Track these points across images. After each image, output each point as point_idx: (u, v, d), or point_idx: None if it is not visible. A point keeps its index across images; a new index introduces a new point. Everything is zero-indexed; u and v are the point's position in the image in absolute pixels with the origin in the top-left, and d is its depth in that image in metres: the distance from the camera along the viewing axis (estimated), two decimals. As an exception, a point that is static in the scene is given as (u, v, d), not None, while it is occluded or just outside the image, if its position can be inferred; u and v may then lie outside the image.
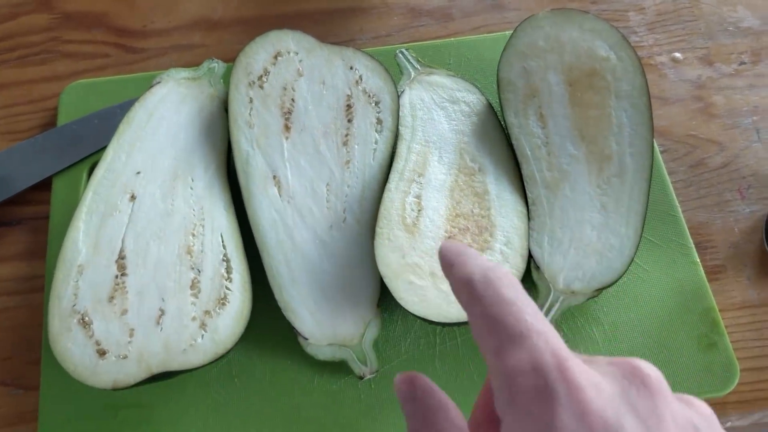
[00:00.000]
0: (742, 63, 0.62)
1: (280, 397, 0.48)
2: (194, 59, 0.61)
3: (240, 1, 0.63)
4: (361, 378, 0.47)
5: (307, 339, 0.47)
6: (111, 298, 0.45)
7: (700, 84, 0.61)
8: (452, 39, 0.61)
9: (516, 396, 0.24)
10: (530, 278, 0.49)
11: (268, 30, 0.53)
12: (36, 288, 0.52)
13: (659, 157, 0.56)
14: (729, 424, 0.48)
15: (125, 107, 0.57)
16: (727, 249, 0.54)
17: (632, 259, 0.48)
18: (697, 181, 0.56)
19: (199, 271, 0.47)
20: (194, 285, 0.46)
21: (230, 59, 0.56)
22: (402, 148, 0.51)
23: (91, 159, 0.56)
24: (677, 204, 0.54)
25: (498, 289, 0.26)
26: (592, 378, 0.23)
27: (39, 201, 0.55)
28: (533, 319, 0.25)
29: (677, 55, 0.62)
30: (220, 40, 0.62)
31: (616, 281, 0.48)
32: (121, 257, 0.47)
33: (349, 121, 0.52)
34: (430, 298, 0.46)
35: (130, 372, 0.44)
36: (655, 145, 0.57)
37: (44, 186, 0.54)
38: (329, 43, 0.61)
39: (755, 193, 0.56)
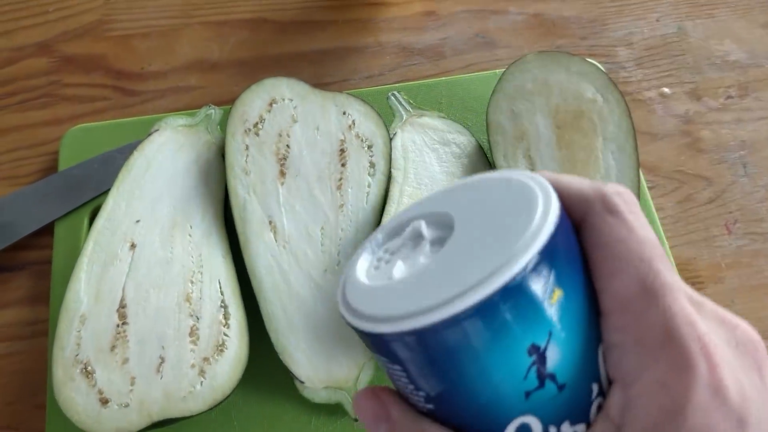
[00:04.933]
0: (729, 97, 0.63)
1: (278, 440, 0.49)
2: (192, 101, 0.62)
3: (235, 43, 0.64)
4: (356, 420, 0.48)
5: (303, 382, 0.48)
6: (113, 347, 0.47)
7: (688, 119, 0.62)
8: (443, 78, 0.62)
9: (649, 364, 0.23)
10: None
11: (264, 71, 0.55)
12: (39, 333, 0.53)
13: (647, 193, 0.57)
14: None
15: (124, 151, 0.58)
16: (714, 284, 0.55)
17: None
18: (684, 216, 0.58)
19: (198, 318, 0.48)
20: (193, 332, 0.48)
21: (227, 101, 0.58)
22: (394, 191, 0.53)
23: (92, 203, 0.57)
24: (665, 240, 0.55)
25: None
26: (723, 353, 0.23)
27: (42, 246, 0.56)
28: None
29: (665, 90, 0.63)
30: (217, 82, 0.63)
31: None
32: (122, 306, 0.48)
33: (343, 165, 0.53)
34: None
35: (132, 420, 0.45)
36: (644, 181, 0.58)
37: (46, 231, 0.56)
38: (324, 83, 0.62)
39: (742, 228, 0.57)
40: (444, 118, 0.57)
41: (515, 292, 0.22)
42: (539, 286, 0.23)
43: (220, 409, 0.50)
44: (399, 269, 0.26)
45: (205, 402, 0.46)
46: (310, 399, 0.48)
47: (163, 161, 0.53)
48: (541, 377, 0.24)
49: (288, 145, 0.53)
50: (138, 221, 0.51)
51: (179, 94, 0.63)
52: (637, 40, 0.66)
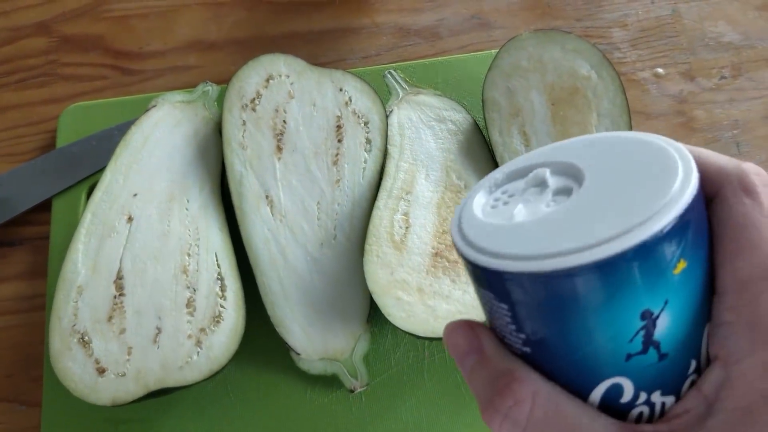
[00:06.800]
0: (723, 77, 0.63)
1: (274, 411, 0.50)
2: (190, 80, 0.62)
3: (233, 23, 0.65)
4: (352, 391, 0.48)
5: (299, 354, 0.49)
6: (110, 318, 0.47)
7: (682, 98, 0.62)
8: (440, 58, 0.63)
9: (758, 347, 0.23)
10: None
11: (261, 51, 0.55)
12: (37, 307, 0.54)
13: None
14: None
15: (122, 129, 0.59)
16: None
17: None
18: (678, 194, 0.58)
19: (195, 290, 0.48)
20: (190, 303, 0.48)
21: (225, 80, 0.58)
22: (390, 167, 0.53)
23: (89, 180, 0.57)
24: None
25: None
26: None
27: (39, 222, 0.56)
28: None
29: (659, 70, 0.64)
30: (215, 61, 0.63)
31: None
32: (119, 278, 0.48)
33: (339, 141, 0.53)
34: (417, 313, 0.47)
35: (129, 389, 0.45)
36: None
37: (44, 207, 0.56)
38: (320, 63, 0.63)
39: (735, 206, 0.57)
40: (440, 95, 0.57)
41: (647, 253, 0.22)
42: (669, 252, 0.23)
43: (216, 380, 0.50)
44: (520, 212, 0.25)
45: (201, 372, 0.46)
46: (305, 370, 0.49)
47: (161, 136, 0.53)
48: (647, 343, 0.24)
49: (285, 121, 0.53)
50: (135, 195, 0.51)
51: (177, 73, 0.63)
52: (631, 21, 0.66)
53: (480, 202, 0.28)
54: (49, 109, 0.61)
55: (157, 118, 0.54)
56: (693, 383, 0.25)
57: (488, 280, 0.25)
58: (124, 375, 0.46)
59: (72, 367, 0.46)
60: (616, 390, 0.24)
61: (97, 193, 0.50)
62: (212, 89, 0.56)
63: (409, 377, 0.51)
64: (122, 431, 0.49)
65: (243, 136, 0.53)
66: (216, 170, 0.53)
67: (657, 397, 0.25)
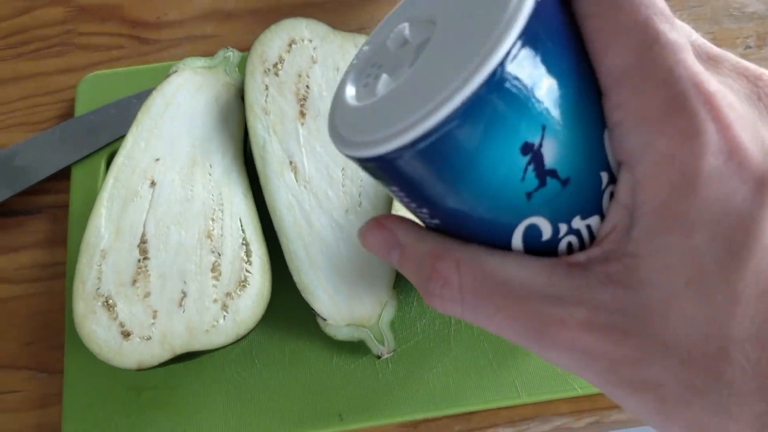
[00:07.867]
0: (748, 47, 0.63)
1: (300, 377, 0.49)
2: (208, 49, 0.62)
3: (251, -9, 0.64)
4: (379, 357, 0.48)
5: (325, 320, 0.48)
6: (134, 282, 0.46)
7: (707, 68, 0.62)
8: (461, 26, 0.62)
9: (653, 139, 0.21)
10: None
11: (279, 20, 0.54)
12: (57, 275, 0.53)
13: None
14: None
15: (141, 97, 0.58)
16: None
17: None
18: (705, 162, 0.57)
19: (220, 255, 0.48)
20: (215, 268, 0.47)
21: (243, 49, 0.57)
22: (415, 133, 0.52)
23: (108, 148, 0.56)
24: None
25: None
26: (739, 111, 0.21)
27: (58, 190, 0.56)
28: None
29: (683, 39, 0.63)
30: (233, 30, 0.63)
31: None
32: (143, 242, 0.47)
33: (363, 107, 0.52)
34: (447, 277, 0.47)
35: (154, 353, 0.45)
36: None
37: (63, 175, 0.55)
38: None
39: (762, 174, 0.57)
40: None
41: (494, 89, 0.20)
42: (523, 76, 0.20)
43: (241, 346, 0.49)
44: (384, 83, 0.24)
45: (228, 336, 0.45)
46: (332, 336, 0.48)
47: (182, 101, 0.52)
48: (541, 175, 0.22)
49: (308, 86, 0.53)
50: (158, 159, 0.50)
51: (195, 42, 0.62)
52: (654, -9, 0.65)
53: (353, 86, 0.26)
54: (66, 79, 0.60)
55: (178, 84, 0.53)
56: (612, 195, 0.24)
57: (366, 168, 0.24)
58: (149, 338, 0.45)
59: (96, 330, 0.45)
60: (533, 230, 0.23)
61: (119, 158, 0.50)
62: (233, 55, 0.55)
63: (435, 344, 0.50)
64: (146, 398, 0.48)
65: (266, 101, 0.52)
66: (239, 135, 0.52)
67: (579, 223, 0.23)
